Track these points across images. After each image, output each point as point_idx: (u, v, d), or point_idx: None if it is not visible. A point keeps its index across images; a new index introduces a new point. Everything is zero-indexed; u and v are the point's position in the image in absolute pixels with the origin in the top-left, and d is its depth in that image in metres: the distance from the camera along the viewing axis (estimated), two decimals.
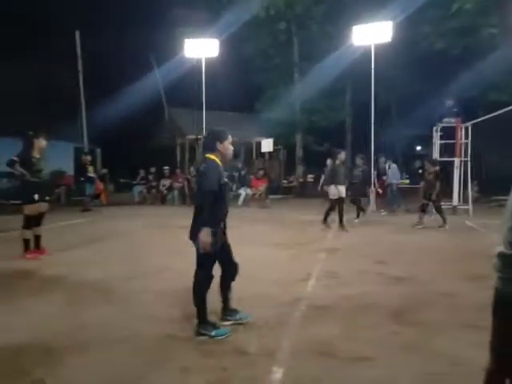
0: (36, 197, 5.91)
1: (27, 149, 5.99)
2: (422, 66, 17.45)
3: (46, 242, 6.30)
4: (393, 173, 12.69)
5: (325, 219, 8.88)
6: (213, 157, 3.24)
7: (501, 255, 1.30)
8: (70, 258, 6.01)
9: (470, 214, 11.30)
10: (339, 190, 8.62)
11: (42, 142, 6.03)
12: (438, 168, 9.26)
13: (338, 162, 8.90)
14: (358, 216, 10.11)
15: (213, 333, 3.17)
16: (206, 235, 3.04)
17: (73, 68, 17.30)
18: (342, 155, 9.03)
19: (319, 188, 12.19)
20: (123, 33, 20.31)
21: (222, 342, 3.14)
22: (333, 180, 8.82)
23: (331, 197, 8.76)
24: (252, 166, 19.22)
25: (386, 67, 16.93)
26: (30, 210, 5.93)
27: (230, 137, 3.37)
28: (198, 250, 3.17)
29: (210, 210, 3.08)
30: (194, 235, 3.17)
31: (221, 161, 3.29)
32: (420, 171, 13.41)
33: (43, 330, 3.37)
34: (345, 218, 8.79)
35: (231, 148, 3.40)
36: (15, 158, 5.85)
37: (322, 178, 12.47)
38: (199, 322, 3.21)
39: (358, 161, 10.58)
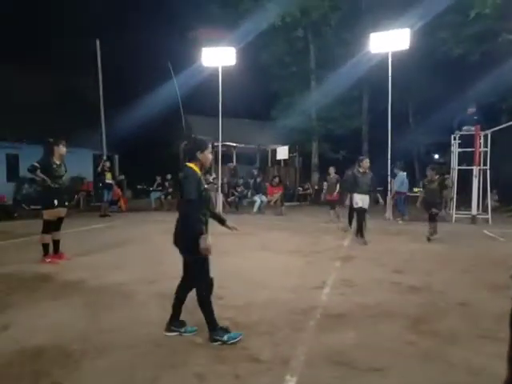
0: (55, 202, 6.06)
1: (48, 155, 6.17)
2: (440, 72, 17.30)
3: (66, 247, 6.44)
4: (400, 181, 12.48)
5: (360, 233, 8.26)
6: (191, 165, 3.31)
7: None
8: (89, 263, 6.12)
9: (489, 223, 11.10)
10: (361, 200, 8.23)
11: (61, 149, 6.18)
12: (446, 176, 8.97)
13: (361, 169, 8.37)
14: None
15: (225, 337, 3.21)
16: (204, 242, 3.09)
17: (93, 76, 17.68)
18: (365, 162, 8.42)
19: (322, 197, 11.81)
20: (142, 42, 20.72)
21: (236, 348, 3.16)
22: (354, 188, 8.37)
23: (354, 205, 8.37)
24: (267, 174, 19.26)
25: (403, 74, 16.81)
26: (49, 214, 6.07)
27: (210, 146, 3.46)
28: (185, 258, 3.27)
29: (195, 217, 3.14)
30: (178, 242, 3.27)
31: (200, 169, 3.36)
32: None
33: (62, 333, 3.44)
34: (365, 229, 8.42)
35: (210, 157, 3.49)
36: (36, 164, 6.02)
37: (325, 186, 12.12)
38: (210, 329, 3.25)
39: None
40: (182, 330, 3.44)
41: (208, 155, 3.42)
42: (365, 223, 8.33)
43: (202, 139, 3.52)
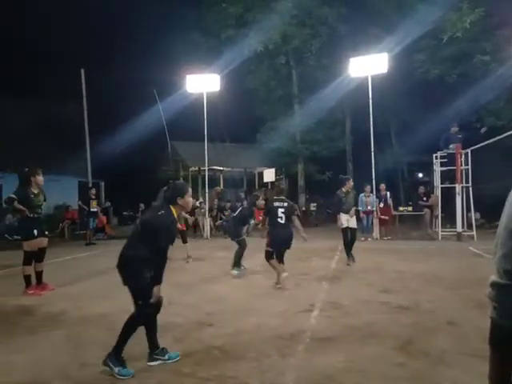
0: (35, 232, 5.92)
1: (24, 185, 6.00)
2: (420, 93, 17.73)
3: (50, 277, 6.29)
4: (361, 202, 12.45)
5: (346, 251, 8.20)
6: (172, 208, 3.33)
7: (494, 284, 1.30)
8: (73, 293, 5.97)
9: (475, 239, 11.23)
10: (346, 220, 8.18)
11: (38, 178, 6.04)
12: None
13: (344, 189, 8.35)
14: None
15: (116, 369, 3.11)
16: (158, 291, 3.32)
17: (78, 104, 17.69)
18: (350, 182, 8.47)
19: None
20: (127, 69, 20.93)
21: (224, 377, 3.08)
22: (339, 209, 8.33)
23: (340, 226, 8.27)
24: None
25: (384, 96, 17.22)
26: (29, 245, 5.93)
27: (190, 190, 3.46)
28: (128, 285, 3.36)
29: (164, 264, 3.38)
30: (121, 266, 3.38)
31: (178, 214, 3.45)
32: (424, 198, 13.40)
33: (42, 369, 3.32)
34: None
35: (191, 200, 3.52)
36: (13, 196, 5.87)
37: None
38: (112, 352, 3.17)
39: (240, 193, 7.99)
40: (166, 357, 3.38)
41: (188, 199, 3.43)
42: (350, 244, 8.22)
43: (182, 184, 3.52)
